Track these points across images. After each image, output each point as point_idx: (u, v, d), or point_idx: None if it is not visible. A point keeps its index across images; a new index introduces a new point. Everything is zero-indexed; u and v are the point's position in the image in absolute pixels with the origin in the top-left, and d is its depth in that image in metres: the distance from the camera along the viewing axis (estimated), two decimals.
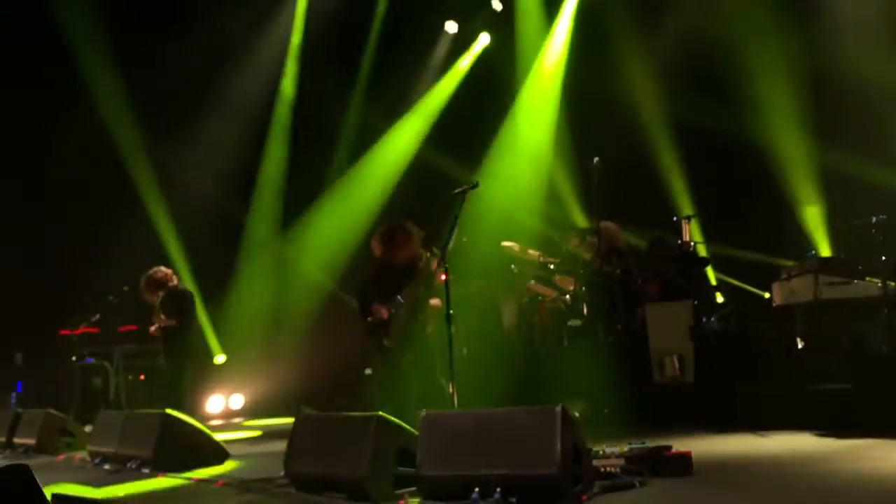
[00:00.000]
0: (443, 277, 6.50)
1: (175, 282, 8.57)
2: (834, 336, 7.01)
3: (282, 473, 5.30)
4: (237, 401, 11.90)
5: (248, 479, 5.55)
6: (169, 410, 6.62)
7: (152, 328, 8.52)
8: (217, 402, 11.70)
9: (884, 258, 6.33)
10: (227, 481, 5.59)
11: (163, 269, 8.63)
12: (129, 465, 6.47)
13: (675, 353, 7.51)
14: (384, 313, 6.88)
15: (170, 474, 6.08)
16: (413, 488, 4.55)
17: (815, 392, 6.61)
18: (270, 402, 11.54)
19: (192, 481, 5.83)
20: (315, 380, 11.05)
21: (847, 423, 6.01)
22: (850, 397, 6.39)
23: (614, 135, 10.19)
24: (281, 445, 5.40)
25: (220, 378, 11.60)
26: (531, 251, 9.48)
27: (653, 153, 9.89)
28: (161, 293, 8.42)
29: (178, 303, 8.38)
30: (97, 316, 10.31)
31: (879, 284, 6.46)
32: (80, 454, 7.53)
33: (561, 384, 7.95)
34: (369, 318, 6.96)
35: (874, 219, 6.42)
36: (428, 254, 6.92)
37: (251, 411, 11.72)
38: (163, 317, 8.29)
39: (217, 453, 6.63)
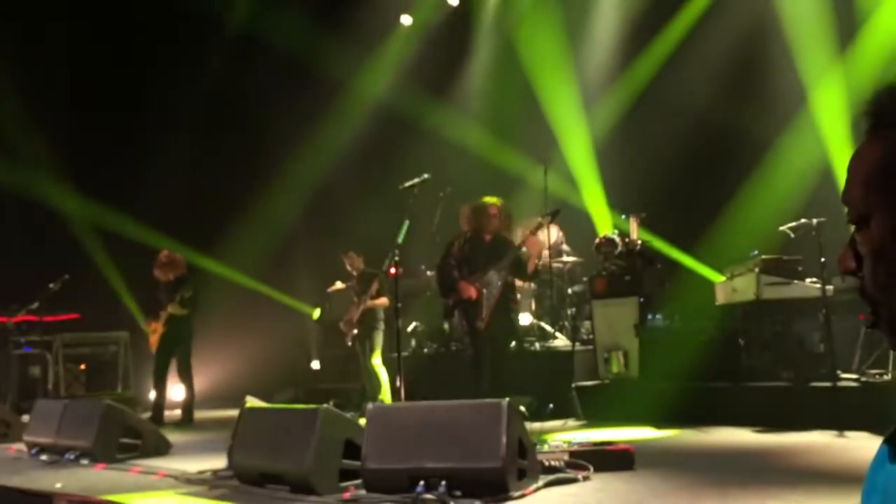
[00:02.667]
0: (393, 271, 6.48)
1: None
2: (774, 335, 7.17)
3: (225, 465, 5.24)
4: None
5: (190, 471, 5.47)
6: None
7: (153, 325, 8.66)
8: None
9: (823, 260, 6.47)
10: (169, 473, 5.51)
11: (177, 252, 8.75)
12: (67, 455, 6.31)
13: (621, 349, 7.62)
14: (473, 292, 6.38)
15: (110, 465, 5.97)
16: (358, 481, 4.54)
17: (754, 389, 6.77)
18: (216, 394, 11.40)
19: (132, 472, 5.72)
20: (261, 372, 10.94)
21: (784, 421, 6.17)
22: (787, 395, 6.56)
23: (570, 132, 10.31)
24: (225, 437, 5.34)
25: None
26: None
27: (603, 153, 10.00)
28: (173, 276, 8.55)
29: (191, 290, 8.49)
30: (36, 304, 10.07)
31: (818, 285, 6.61)
32: (17, 445, 7.34)
33: (508, 379, 8.00)
34: (452, 297, 6.53)
35: (815, 221, 6.56)
36: (529, 232, 6.58)
37: (196, 402, 11.54)
38: (174, 303, 8.37)
39: (159, 444, 6.53)
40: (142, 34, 11.23)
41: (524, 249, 6.43)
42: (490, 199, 6.57)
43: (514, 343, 7.11)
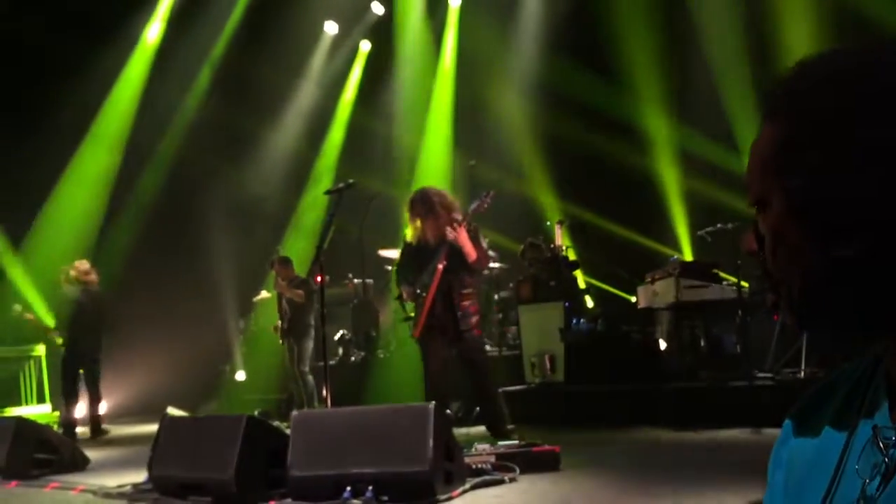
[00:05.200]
0: (318, 278, 6.38)
1: (93, 278, 8.37)
2: (692, 337, 7.37)
3: (145, 478, 5.10)
4: (100, 406, 11.34)
5: (108, 486, 5.30)
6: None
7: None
8: (79, 408, 11.12)
9: (739, 263, 6.68)
10: (87, 488, 5.33)
11: (84, 264, 8.41)
12: None
13: (547, 354, 7.71)
14: (406, 296, 6.08)
15: (24, 482, 5.73)
16: (284, 490, 4.47)
17: (674, 390, 6.93)
18: (136, 408, 11.08)
19: (48, 488, 5.51)
20: (184, 384, 10.69)
21: (703, 420, 6.33)
22: (706, 395, 6.74)
23: (492, 141, 10.41)
24: (146, 451, 5.18)
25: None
26: None
27: (527, 160, 10.13)
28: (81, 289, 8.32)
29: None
30: None
31: (734, 288, 6.82)
32: None
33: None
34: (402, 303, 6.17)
35: (730, 225, 6.77)
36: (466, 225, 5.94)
37: (115, 418, 11.21)
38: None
39: (76, 459, 6.31)
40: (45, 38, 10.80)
41: (453, 239, 5.93)
42: (425, 190, 6.18)
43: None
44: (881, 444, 0.85)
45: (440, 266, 5.93)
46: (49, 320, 9.28)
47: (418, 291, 6.02)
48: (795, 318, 0.93)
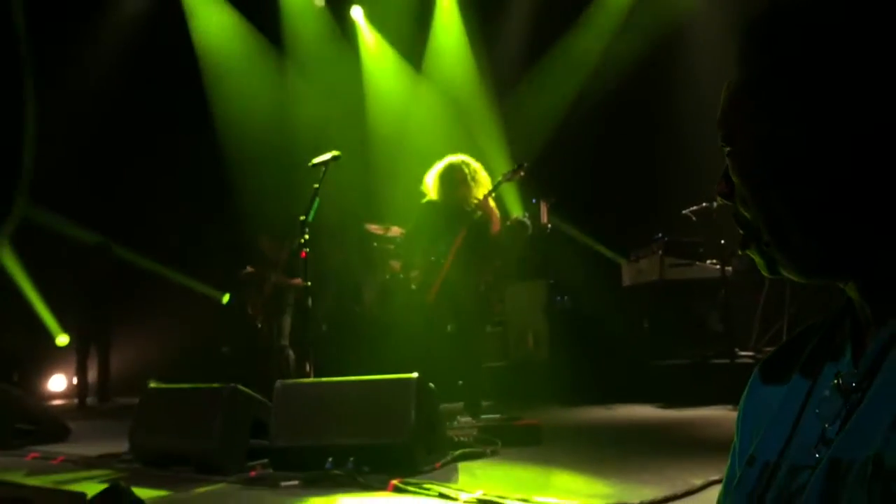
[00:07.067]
0: (303, 254, 6.32)
1: None
2: (676, 315, 7.41)
3: (126, 448, 5.09)
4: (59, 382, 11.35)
5: (90, 455, 5.29)
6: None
7: None
8: (59, 381, 11.11)
9: (722, 242, 6.71)
10: (67, 457, 5.32)
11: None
12: None
13: (531, 330, 7.74)
14: (418, 263, 6.01)
15: (5, 451, 5.72)
16: (266, 460, 4.48)
17: (657, 367, 6.98)
18: (119, 382, 11.05)
19: (29, 458, 5.50)
20: (168, 359, 10.67)
21: (685, 397, 6.38)
22: (688, 372, 6.79)
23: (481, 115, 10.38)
24: (128, 422, 5.17)
25: (63, 357, 11.01)
26: (395, 229, 9.48)
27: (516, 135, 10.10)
28: None
29: None
30: None
31: (718, 266, 6.85)
32: None
33: (420, 361, 8.02)
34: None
35: (715, 203, 6.79)
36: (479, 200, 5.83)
37: (98, 391, 11.17)
38: None
39: (57, 429, 6.30)
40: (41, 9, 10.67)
41: (479, 213, 5.86)
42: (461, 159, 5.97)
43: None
44: (841, 388, 0.86)
45: (462, 232, 5.82)
46: None
47: (433, 259, 5.92)
48: (765, 262, 0.93)
